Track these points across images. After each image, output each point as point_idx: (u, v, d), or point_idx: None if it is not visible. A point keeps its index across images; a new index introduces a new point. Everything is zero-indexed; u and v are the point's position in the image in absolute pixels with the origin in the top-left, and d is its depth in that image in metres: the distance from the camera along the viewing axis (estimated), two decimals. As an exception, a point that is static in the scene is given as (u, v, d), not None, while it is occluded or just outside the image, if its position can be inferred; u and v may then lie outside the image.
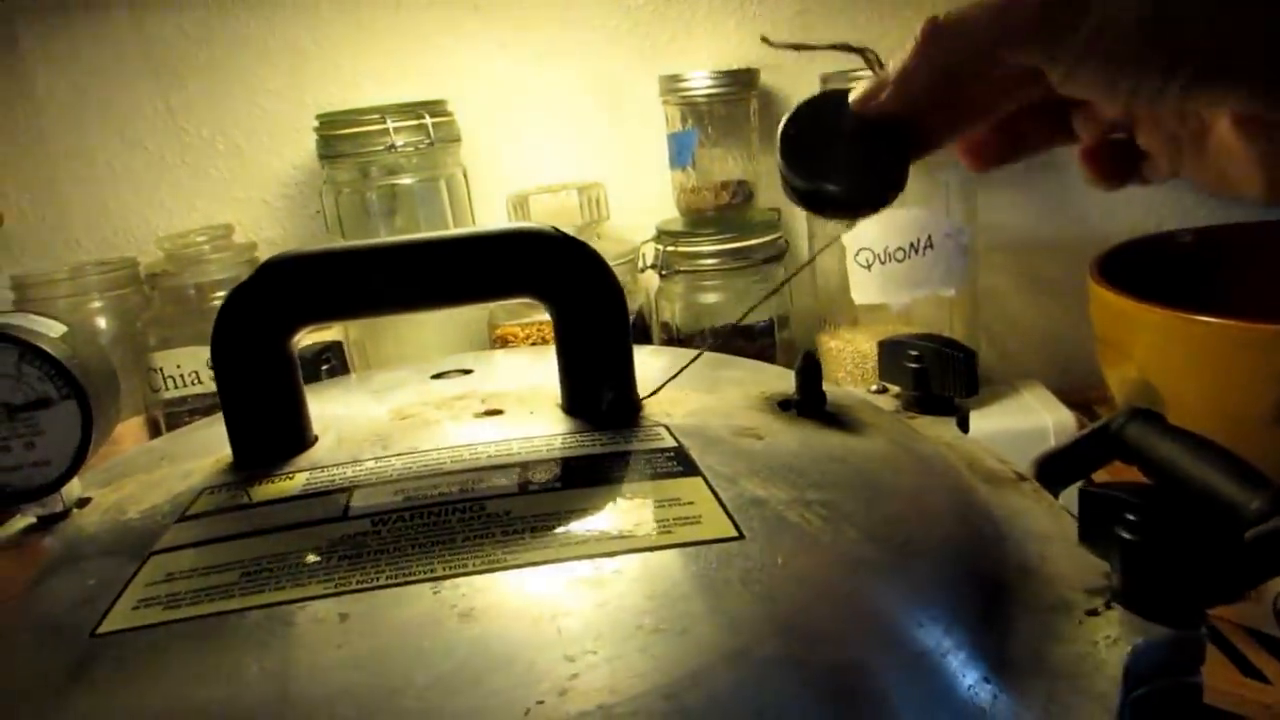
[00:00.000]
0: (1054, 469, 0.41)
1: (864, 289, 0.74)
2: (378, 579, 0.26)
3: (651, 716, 0.21)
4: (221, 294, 0.78)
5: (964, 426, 0.43)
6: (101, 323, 0.80)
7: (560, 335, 0.34)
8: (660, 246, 0.78)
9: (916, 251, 0.72)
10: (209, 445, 0.37)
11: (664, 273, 0.78)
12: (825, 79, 0.78)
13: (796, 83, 0.84)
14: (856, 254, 0.73)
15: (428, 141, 0.72)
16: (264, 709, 0.23)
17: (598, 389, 0.34)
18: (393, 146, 0.71)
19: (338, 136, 0.73)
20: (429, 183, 0.76)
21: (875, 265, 0.73)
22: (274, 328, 0.33)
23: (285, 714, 0.22)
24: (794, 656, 0.24)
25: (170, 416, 0.78)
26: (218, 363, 0.33)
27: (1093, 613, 0.29)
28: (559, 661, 0.23)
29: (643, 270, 0.80)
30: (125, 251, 0.85)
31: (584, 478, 0.30)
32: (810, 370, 0.36)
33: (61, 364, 0.31)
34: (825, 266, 0.78)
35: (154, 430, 0.79)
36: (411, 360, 0.52)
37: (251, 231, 0.84)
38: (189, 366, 0.76)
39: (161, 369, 0.76)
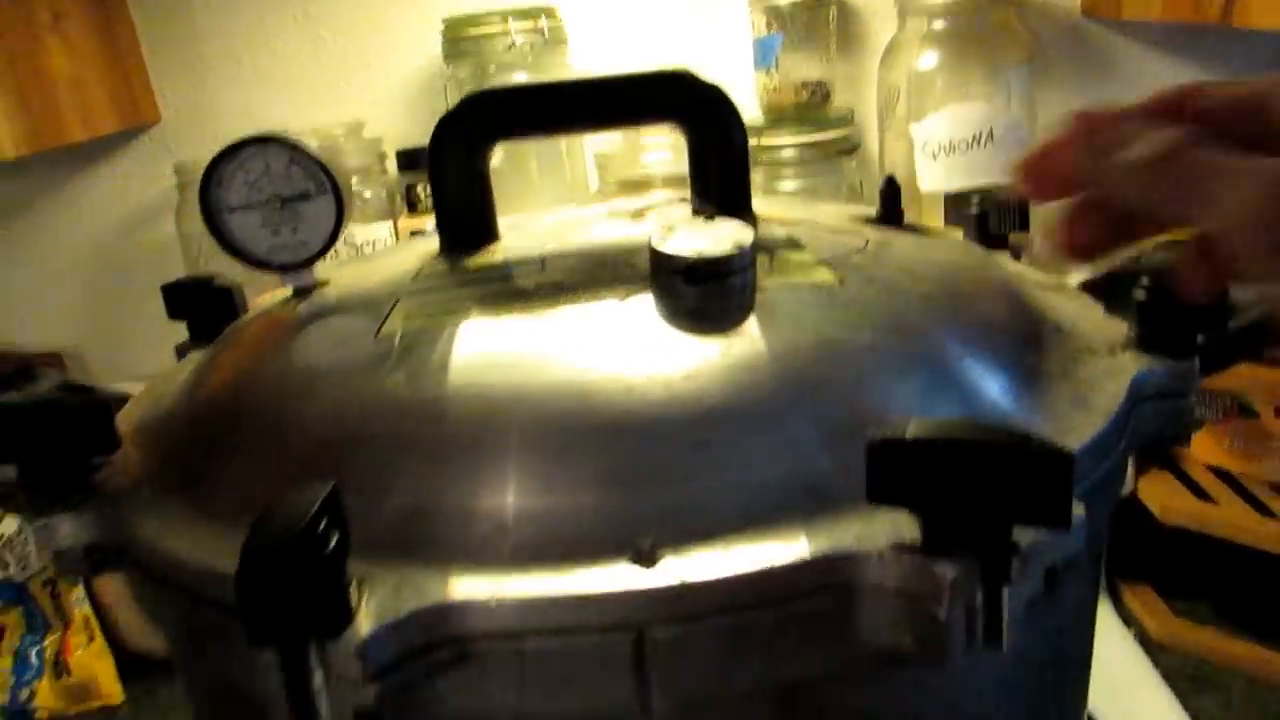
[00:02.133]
0: (1093, 287, 0.50)
1: (930, 178, 0.82)
2: (577, 301, 0.36)
3: (766, 362, 0.31)
4: (355, 179, 0.88)
5: (1016, 256, 0.52)
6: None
7: (693, 154, 0.44)
8: (744, 141, 0.87)
9: (979, 144, 0.80)
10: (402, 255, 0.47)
11: (748, 164, 0.87)
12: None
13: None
14: (923, 146, 0.81)
15: (543, 41, 0.81)
16: (516, 376, 0.33)
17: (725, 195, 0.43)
18: (513, 44, 0.80)
19: (462, 37, 0.83)
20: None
21: (940, 156, 0.81)
22: (474, 142, 0.43)
23: (531, 375, 0.32)
24: (878, 345, 0.33)
25: (311, 289, 0.89)
26: (433, 169, 0.42)
27: (1112, 353, 0.38)
28: (706, 337, 0.33)
29: (728, 163, 0.88)
30: (266, 146, 0.95)
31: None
32: (892, 189, 0.45)
33: (323, 164, 0.41)
34: (894, 158, 0.86)
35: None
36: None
37: (378, 128, 0.94)
38: (329, 243, 0.87)
39: (305, 245, 0.87)
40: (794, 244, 0.40)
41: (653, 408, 0.30)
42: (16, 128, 0.72)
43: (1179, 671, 0.77)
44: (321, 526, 0.25)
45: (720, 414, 0.30)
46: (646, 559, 0.27)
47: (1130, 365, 0.36)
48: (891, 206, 0.45)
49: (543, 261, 0.40)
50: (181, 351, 0.51)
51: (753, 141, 0.87)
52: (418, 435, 0.31)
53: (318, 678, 0.26)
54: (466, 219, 0.43)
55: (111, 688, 0.88)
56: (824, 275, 0.37)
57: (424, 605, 0.26)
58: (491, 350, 0.34)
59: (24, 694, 0.87)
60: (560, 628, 0.27)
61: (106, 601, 0.91)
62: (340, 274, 0.46)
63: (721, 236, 0.36)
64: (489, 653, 0.27)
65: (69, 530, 0.34)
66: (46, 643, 0.89)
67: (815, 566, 0.27)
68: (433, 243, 0.45)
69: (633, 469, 0.29)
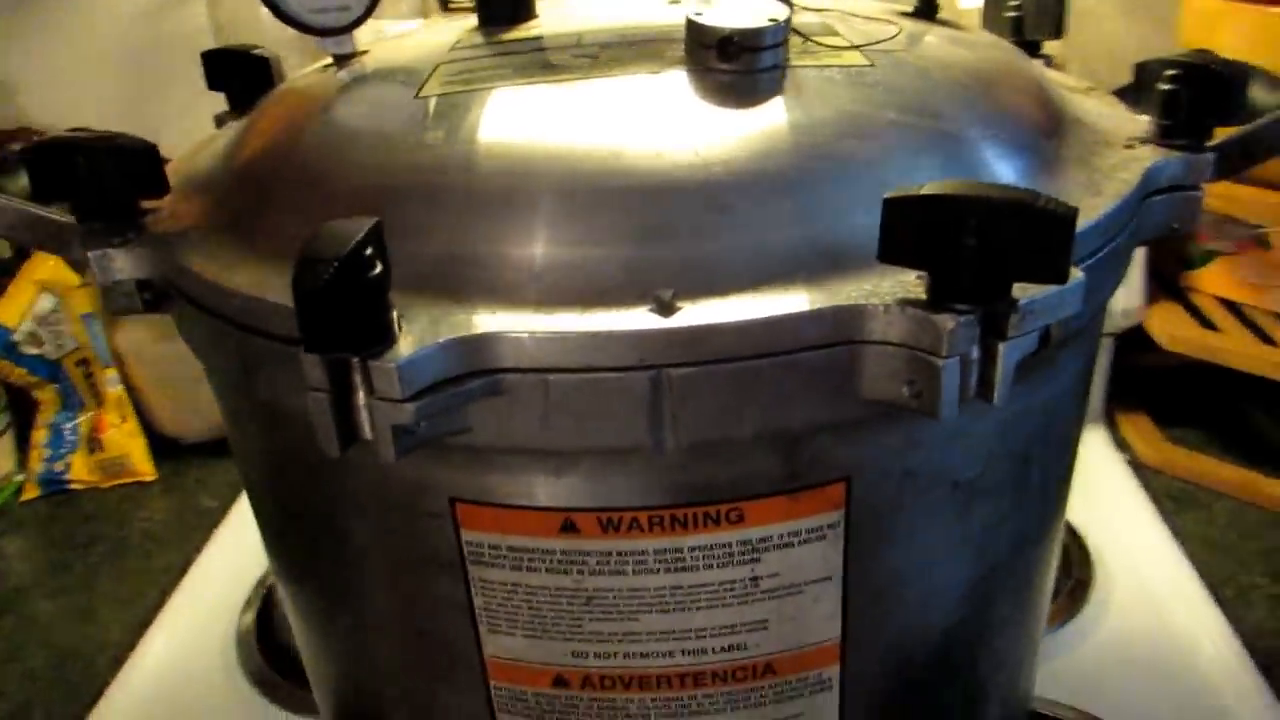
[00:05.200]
0: (1124, 93, 0.50)
1: (970, -8, 0.80)
2: (611, 74, 0.36)
3: (793, 134, 0.32)
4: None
5: (1050, 66, 0.52)
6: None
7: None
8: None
9: (1025, -44, 0.78)
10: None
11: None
12: None
13: None
14: (967, -42, 0.79)
15: None
16: (550, 136, 0.34)
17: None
18: None
19: None
20: None
21: (983, -31, 0.79)
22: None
23: (564, 136, 0.33)
24: (901, 124, 0.34)
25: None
26: (472, -63, 0.42)
27: (1129, 146, 0.39)
28: (737, 109, 0.34)
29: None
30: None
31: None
32: (929, -20, 0.45)
33: (364, -75, 0.41)
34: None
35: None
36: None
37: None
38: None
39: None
40: (828, 29, 0.40)
41: (680, 170, 0.31)
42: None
43: (1165, 492, 0.80)
44: (368, 252, 0.27)
45: (744, 179, 0.31)
46: (665, 308, 0.29)
47: (1146, 156, 0.37)
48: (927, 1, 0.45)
49: (579, 37, 0.41)
50: (220, 121, 0.52)
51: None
52: (454, 187, 0.32)
53: (361, 395, 0.28)
54: (504, -3, 0.43)
55: (144, 465, 0.93)
56: (854, 58, 0.37)
57: (459, 335, 0.28)
58: (527, 113, 0.35)
59: (59, 466, 0.92)
60: (584, 365, 0.29)
61: (139, 385, 0.95)
62: (379, 46, 0.47)
63: (757, 12, 0.36)
64: (517, 385, 0.29)
65: (124, 263, 0.36)
66: (81, 419, 0.93)
67: (823, 317, 0.28)
68: (470, 20, 0.45)
69: (657, 225, 0.31)
